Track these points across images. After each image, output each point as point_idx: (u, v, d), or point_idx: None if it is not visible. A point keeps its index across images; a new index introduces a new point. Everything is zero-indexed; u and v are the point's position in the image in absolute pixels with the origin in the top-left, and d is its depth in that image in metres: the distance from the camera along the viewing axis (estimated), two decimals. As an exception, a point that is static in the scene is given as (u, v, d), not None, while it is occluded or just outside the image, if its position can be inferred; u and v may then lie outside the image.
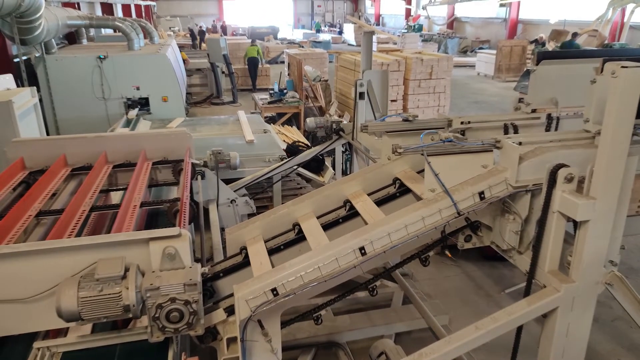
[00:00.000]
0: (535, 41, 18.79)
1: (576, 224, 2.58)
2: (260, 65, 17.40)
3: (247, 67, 17.17)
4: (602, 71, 2.54)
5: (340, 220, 3.25)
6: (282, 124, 10.69)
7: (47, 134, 7.31)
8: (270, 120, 11.26)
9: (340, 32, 38.12)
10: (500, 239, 2.91)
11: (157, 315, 2.22)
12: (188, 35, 25.51)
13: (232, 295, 2.61)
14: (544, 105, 3.83)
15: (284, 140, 7.45)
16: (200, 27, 28.21)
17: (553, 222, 2.60)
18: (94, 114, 9.34)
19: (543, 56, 3.89)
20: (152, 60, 9.68)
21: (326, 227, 3.20)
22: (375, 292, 3.04)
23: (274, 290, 2.49)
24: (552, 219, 2.60)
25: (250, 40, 19.65)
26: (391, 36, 27.65)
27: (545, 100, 3.80)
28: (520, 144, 2.70)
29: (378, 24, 40.70)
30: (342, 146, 5.58)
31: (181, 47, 17.06)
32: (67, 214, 2.82)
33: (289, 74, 14.74)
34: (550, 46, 18.40)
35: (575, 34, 16.93)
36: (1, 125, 5.07)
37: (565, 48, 16.34)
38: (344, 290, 3.01)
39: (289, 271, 2.53)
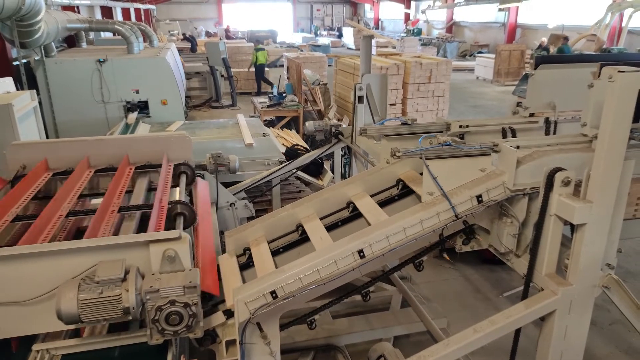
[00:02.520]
0: (539, 46, 18.91)
1: (573, 227, 2.60)
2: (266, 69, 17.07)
3: (255, 72, 16.78)
4: (599, 76, 2.56)
5: (340, 223, 3.26)
6: (281, 128, 10.70)
7: (47, 137, 7.31)
8: (270, 123, 11.27)
9: (340, 36, 38.21)
10: (498, 242, 2.93)
11: (156, 317, 2.23)
12: (184, 39, 25.23)
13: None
14: (542, 109, 3.86)
15: (283, 144, 7.46)
16: (187, 33, 27.91)
17: (550, 225, 2.62)
18: (93, 117, 9.35)
19: (541, 60, 3.92)
20: (152, 63, 9.70)
21: (330, 227, 3.21)
22: (368, 297, 3.05)
23: (273, 292, 2.50)
24: (549, 222, 2.62)
25: (253, 44, 18.71)
26: (390, 40, 27.76)
27: (543, 105, 3.82)
28: (518, 147, 2.72)
29: (377, 28, 40.82)
30: (341, 150, 5.60)
31: (180, 50, 17.05)
32: (99, 214, 2.84)
33: (288, 78, 14.76)
34: (552, 50, 18.48)
35: (566, 38, 17.46)
36: (1, 128, 5.09)
37: (562, 52, 16.76)
38: (343, 293, 3.03)
39: (288, 274, 2.54)
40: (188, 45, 22.39)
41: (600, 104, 2.48)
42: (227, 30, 34.19)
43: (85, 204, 3.62)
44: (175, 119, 8.89)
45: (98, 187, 3.79)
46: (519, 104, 4.01)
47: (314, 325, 2.97)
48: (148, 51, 10.90)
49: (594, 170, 2.49)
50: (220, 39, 23.99)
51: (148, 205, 3.16)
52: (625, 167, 2.51)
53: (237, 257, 3.23)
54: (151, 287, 2.23)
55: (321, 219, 3.31)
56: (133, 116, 8.80)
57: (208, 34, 32.60)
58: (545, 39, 19.22)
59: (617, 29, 18.58)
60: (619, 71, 2.30)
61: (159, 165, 3.98)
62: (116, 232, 2.95)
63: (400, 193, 3.32)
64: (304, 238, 3.18)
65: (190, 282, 2.26)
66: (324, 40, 33.92)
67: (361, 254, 2.63)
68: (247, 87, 17.53)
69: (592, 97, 2.69)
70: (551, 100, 3.77)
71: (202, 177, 4.38)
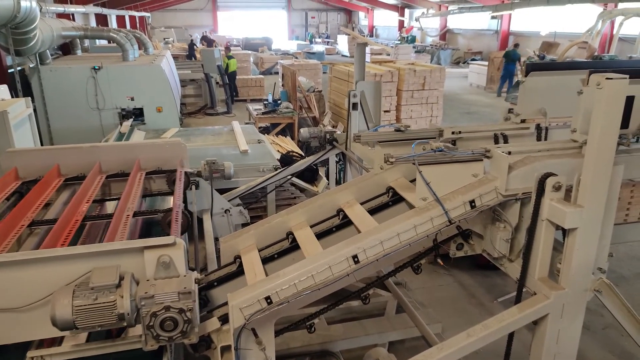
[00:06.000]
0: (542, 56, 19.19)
1: (565, 232, 2.63)
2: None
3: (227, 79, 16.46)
4: (588, 82, 2.60)
5: (334, 229, 3.27)
6: (276, 134, 10.73)
7: (41, 144, 7.31)
8: (265, 130, 11.30)
9: (328, 43, 38.27)
10: (491, 247, 2.95)
11: (151, 323, 2.23)
12: (187, 46, 25.13)
13: (226, 303, 2.63)
14: (533, 115, 3.90)
15: (278, 150, 7.49)
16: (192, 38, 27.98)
17: (542, 230, 2.65)
18: (88, 124, 9.36)
19: (532, 68, 3.96)
20: (147, 70, 9.72)
21: (320, 235, 3.22)
22: (367, 300, 3.06)
23: (267, 298, 2.51)
24: (541, 226, 2.65)
25: (222, 50, 17.90)
26: (384, 47, 27.91)
27: (534, 111, 3.87)
28: (509, 153, 2.75)
29: (371, 36, 41.05)
30: (336, 156, 5.63)
31: (175, 57, 17.09)
32: (61, 224, 2.83)
33: (282, 85, 14.81)
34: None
35: (517, 45, 19.18)
36: (-4, 135, 5.09)
37: (508, 57, 18.17)
38: (338, 299, 3.04)
39: (283, 279, 2.55)
40: (184, 53, 22.41)
41: (589, 111, 2.52)
42: (204, 37, 28.88)
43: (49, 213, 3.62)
44: (170, 126, 8.91)
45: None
46: (510, 111, 4.06)
47: (313, 329, 2.98)
48: (143, 58, 10.93)
49: (584, 176, 2.52)
50: (203, 44, 23.73)
51: (108, 215, 3.20)
52: (614, 172, 2.55)
53: (228, 265, 3.23)
54: (146, 293, 2.23)
55: (311, 226, 3.31)
56: (127, 123, 8.80)
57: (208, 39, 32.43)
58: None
59: (609, 37, 18.79)
60: (607, 78, 2.35)
61: (154, 172, 4.00)
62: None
63: (390, 200, 3.33)
64: (294, 246, 3.19)
65: (185, 287, 2.27)
66: (319, 47, 34.06)
67: (355, 259, 2.64)
68: (242, 94, 17.58)
69: (581, 104, 2.72)
70: (542, 107, 3.81)
71: (197, 184, 4.39)
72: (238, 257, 3.21)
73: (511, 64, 18.18)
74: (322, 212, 3.40)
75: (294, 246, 3.18)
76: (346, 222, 3.26)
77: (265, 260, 3.14)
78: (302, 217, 3.35)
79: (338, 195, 3.42)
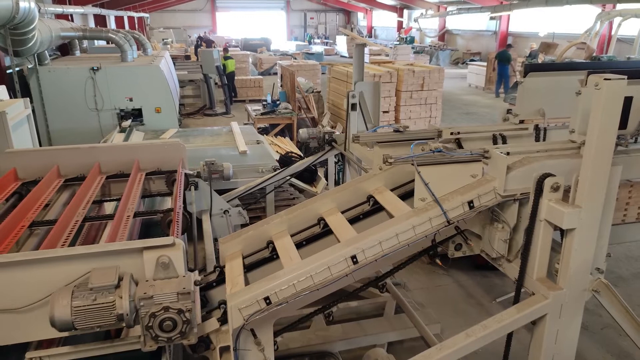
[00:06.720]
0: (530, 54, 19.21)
1: (563, 232, 2.64)
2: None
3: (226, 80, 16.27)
4: (586, 83, 2.61)
5: (305, 242, 3.19)
6: (275, 135, 10.73)
7: (40, 145, 7.30)
8: (263, 131, 11.29)
9: (327, 44, 38.26)
10: (490, 248, 2.96)
11: (150, 324, 2.24)
12: (192, 48, 24.86)
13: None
14: (531, 116, 3.91)
15: (277, 151, 7.48)
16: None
17: (540, 230, 2.66)
18: (87, 125, 9.35)
19: (530, 68, 3.97)
20: (145, 71, 9.71)
21: (351, 221, 3.17)
22: (331, 317, 3.12)
23: (266, 299, 2.52)
24: (539, 227, 2.66)
25: (221, 50, 17.72)
26: (383, 48, 27.93)
27: (532, 112, 3.88)
28: (508, 154, 2.76)
29: (370, 36, 41.07)
30: (335, 157, 5.63)
31: (174, 58, 17.08)
32: (60, 224, 2.83)
33: (281, 86, 14.81)
34: (540, 58, 18.71)
35: (509, 45, 19.49)
36: (-6, 136, 5.08)
37: (498, 58, 18.24)
38: (336, 299, 3.04)
39: (282, 280, 2.56)
40: (183, 53, 22.41)
41: (587, 111, 2.53)
42: (200, 38, 28.35)
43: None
44: (169, 126, 8.90)
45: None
46: (509, 111, 4.07)
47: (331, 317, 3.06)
48: (142, 59, 10.92)
49: (582, 176, 2.53)
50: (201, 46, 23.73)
51: (110, 216, 3.21)
52: (612, 172, 2.56)
53: (210, 273, 3.22)
54: (145, 293, 2.23)
55: (292, 235, 3.23)
56: (121, 136, 8.76)
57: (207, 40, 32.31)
58: (535, 45, 19.55)
59: (607, 37, 18.84)
60: (605, 79, 2.35)
61: (154, 173, 4.00)
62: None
63: (371, 209, 3.25)
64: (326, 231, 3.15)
65: (184, 288, 2.27)
66: (318, 48, 34.05)
67: (354, 259, 2.65)
68: (241, 94, 17.58)
69: (580, 104, 2.74)
70: (540, 108, 3.83)
71: (196, 184, 4.39)
72: (223, 266, 3.18)
73: (502, 65, 18.19)
74: (302, 221, 3.31)
75: (326, 231, 3.13)
76: (328, 231, 3.16)
77: (298, 246, 3.09)
78: (332, 204, 3.30)
79: (368, 182, 3.36)
